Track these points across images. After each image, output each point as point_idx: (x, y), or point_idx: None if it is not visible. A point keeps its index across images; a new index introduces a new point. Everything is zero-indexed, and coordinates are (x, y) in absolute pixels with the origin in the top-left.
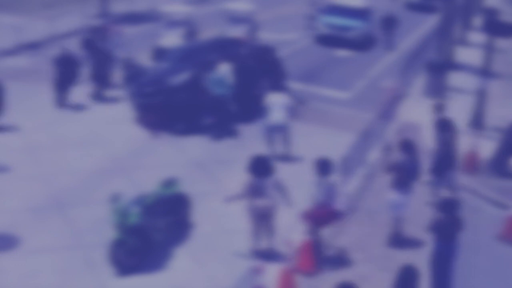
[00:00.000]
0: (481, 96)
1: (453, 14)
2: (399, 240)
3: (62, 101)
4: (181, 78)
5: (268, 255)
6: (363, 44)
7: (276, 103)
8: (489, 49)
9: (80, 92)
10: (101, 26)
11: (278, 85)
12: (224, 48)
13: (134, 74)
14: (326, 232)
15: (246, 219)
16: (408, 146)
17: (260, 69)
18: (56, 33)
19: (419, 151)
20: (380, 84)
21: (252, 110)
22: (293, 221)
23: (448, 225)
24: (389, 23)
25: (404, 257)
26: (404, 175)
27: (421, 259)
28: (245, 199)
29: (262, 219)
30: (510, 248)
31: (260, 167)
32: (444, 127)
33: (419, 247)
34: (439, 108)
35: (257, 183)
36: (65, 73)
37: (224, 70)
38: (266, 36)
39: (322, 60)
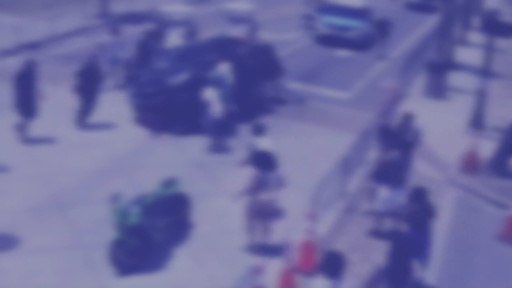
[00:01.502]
0: (481, 96)
1: (453, 14)
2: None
3: (85, 118)
4: (181, 78)
5: (266, 251)
6: (363, 44)
7: (213, 98)
8: (489, 49)
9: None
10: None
11: (276, 83)
12: (224, 48)
13: (134, 74)
14: (323, 231)
15: (243, 214)
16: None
17: (260, 69)
18: (56, 33)
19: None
20: (380, 84)
21: (252, 109)
22: (293, 221)
23: (420, 214)
24: (382, 29)
25: None
26: (396, 171)
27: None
28: (249, 194)
29: (262, 214)
30: (510, 248)
31: (265, 162)
32: (388, 136)
33: None
34: (409, 117)
35: (261, 177)
36: (89, 86)
37: (224, 69)
38: (266, 36)
39: (322, 60)
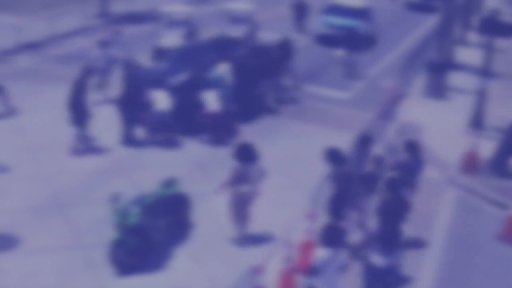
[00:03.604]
0: (481, 96)
1: (453, 14)
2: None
3: (130, 134)
4: (180, 78)
5: (249, 241)
6: (363, 44)
7: (160, 96)
8: (489, 49)
9: None
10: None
11: (276, 83)
12: (223, 48)
13: (134, 74)
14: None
15: (229, 206)
16: (412, 146)
17: (260, 69)
18: (56, 33)
19: (423, 151)
20: (380, 84)
21: (252, 110)
22: (293, 221)
23: (392, 206)
24: (352, 43)
25: (407, 255)
26: (409, 174)
27: (423, 258)
28: (232, 186)
29: (244, 204)
30: (510, 248)
31: (246, 154)
32: (336, 159)
33: (421, 246)
34: (366, 139)
35: (243, 170)
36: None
37: (223, 70)
38: (266, 36)
39: (322, 60)
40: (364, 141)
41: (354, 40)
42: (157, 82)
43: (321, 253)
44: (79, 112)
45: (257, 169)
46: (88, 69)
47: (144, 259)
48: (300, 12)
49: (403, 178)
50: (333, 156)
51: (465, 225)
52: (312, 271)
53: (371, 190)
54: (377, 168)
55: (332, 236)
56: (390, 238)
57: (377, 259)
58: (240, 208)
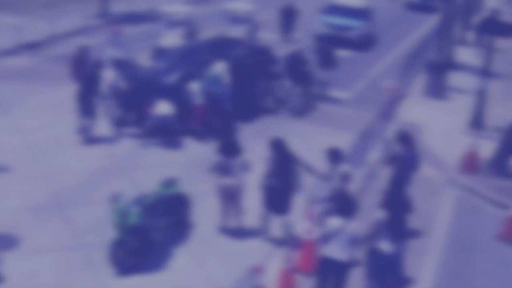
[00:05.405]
0: (481, 96)
1: (453, 14)
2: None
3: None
4: (175, 77)
5: (238, 234)
6: (363, 44)
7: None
8: (489, 49)
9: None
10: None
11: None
12: (222, 48)
13: (132, 74)
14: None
15: (215, 197)
16: (405, 137)
17: (260, 69)
18: (56, 33)
19: (417, 144)
20: (380, 84)
21: (251, 109)
22: (292, 221)
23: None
24: (325, 58)
25: (407, 255)
26: (403, 166)
27: (423, 258)
28: (215, 178)
29: (230, 198)
30: (510, 248)
31: (229, 148)
32: (282, 154)
33: (421, 246)
34: (336, 155)
35: (225, 163)
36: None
37: (220, 69)
38: (266, 36)
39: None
40: (334, 156)
41: (328, 54)
42: (155, 82)
43: (332, 222)
44: (87, 104)
45: (240, 163)
46: (100, 62)
47: (144, 259)
48: (288, 18)
49: (398, 172)
50: (277, 145)
51: (465, 225)
52: (322, 239)
53: (350, 214)
54: (343, 184)
55: (344, 206)
56: (396, 227)
57: (385, 245)
58: (229, 201)
